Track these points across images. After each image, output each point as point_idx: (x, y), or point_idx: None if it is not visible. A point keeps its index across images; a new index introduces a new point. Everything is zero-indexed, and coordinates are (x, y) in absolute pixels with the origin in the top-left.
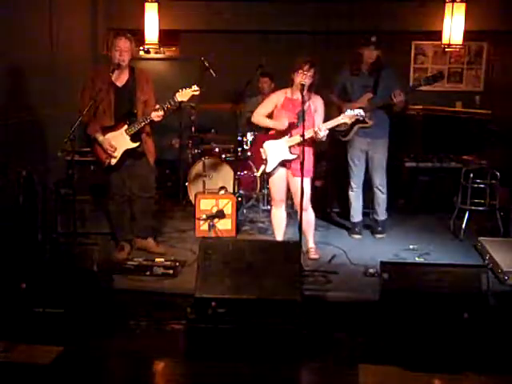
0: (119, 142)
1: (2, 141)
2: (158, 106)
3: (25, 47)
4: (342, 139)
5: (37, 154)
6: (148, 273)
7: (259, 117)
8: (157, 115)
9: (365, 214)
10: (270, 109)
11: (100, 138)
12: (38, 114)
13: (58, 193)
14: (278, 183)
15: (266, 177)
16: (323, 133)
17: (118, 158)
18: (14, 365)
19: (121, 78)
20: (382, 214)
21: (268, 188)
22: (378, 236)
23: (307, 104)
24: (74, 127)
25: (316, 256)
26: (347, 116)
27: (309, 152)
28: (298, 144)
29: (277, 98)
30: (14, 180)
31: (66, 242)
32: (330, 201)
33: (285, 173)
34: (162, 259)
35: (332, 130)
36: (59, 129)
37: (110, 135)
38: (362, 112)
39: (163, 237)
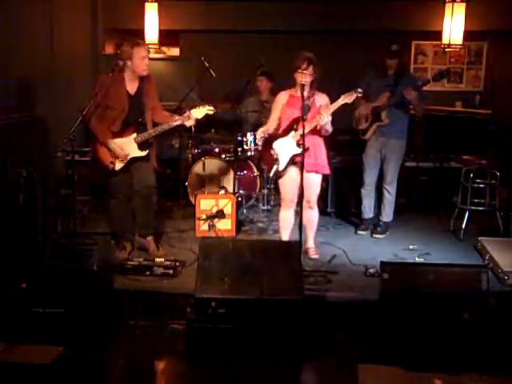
0: (127, 148)
1: (1, 141)
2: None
3: (25, 47)
4: (362, 138)
5: (37, 153)
6: (148, 273)
7: (269, 124)
8: (190, 123)
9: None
10: (279, 111)
11: (112, 144)
12: (38, 114)
13: (57, 193)
14: (289, 184)
15: (277, 177)
16: (326, 119)
17: (123, 164)
18: (13, 365)
19: (132, 86)
20: (385, 216)
21: (268, 188)
22: (375, 236)
23: (311, 100)
24: (73, 127)
25: (316, 256)
26: (346, 97)
27: (319, 147)
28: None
29: (281, 99)
30: (13, 180)
31: (66, 241)
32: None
33: (296, 173)
34: (162, 259)
35: (353, 130)
36: (59, 129)
37: (117, 141)
38: (360, 90)
39: (163, 237)
